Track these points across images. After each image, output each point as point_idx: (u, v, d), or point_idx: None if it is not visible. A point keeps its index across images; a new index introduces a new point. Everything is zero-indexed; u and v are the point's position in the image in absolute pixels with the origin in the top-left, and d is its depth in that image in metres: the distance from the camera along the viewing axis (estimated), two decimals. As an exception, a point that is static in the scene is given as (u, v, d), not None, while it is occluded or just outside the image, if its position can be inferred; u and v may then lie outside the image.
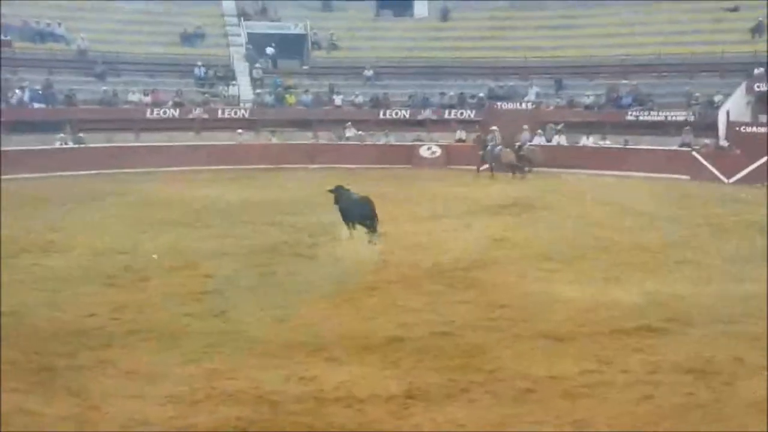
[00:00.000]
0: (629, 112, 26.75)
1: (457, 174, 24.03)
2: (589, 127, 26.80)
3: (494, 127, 24.98)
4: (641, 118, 26.46)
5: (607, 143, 25.94)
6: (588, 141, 26.35)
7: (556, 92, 28.96)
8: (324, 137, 27.79)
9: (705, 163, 23.53)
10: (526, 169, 23.87)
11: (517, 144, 24.53)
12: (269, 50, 30.60)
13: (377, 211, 12.94)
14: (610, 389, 6.97)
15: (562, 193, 19.49)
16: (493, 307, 9.45)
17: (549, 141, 26.33)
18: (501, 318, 9.03)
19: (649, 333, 8.48)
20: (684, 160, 23.83)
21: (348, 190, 13.54)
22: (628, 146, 25.36)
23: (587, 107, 27.92)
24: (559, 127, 26.56)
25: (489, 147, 24.21)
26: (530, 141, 25.43)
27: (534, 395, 6.82)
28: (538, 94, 28.72)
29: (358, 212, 12.98)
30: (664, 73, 27.98)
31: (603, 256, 12.24)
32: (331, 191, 13.50)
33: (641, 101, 27.24)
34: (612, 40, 29.19)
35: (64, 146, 24.73)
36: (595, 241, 13.31)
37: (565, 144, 26.35)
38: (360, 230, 12.90)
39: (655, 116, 26.40)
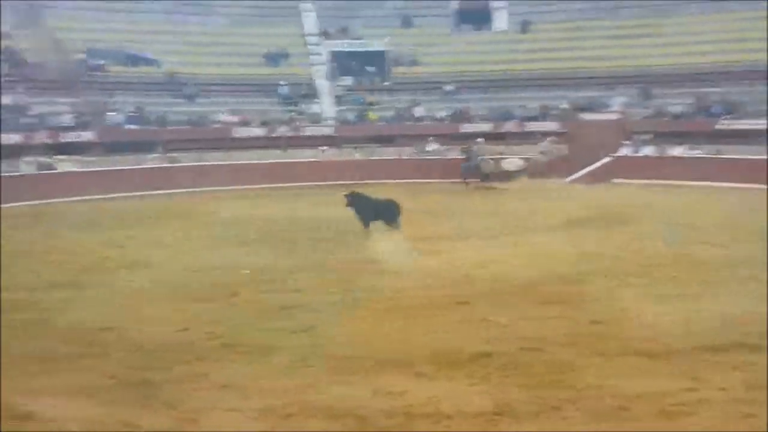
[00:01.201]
0: (720, 121, 25.91)
1: (540, 187, 23.73)
2: (678, 137, 26.09)
3: (479, 140, 25.24)
4: (733, 126, 25.58)
5: (698, 153, 25.19)
6: (677, 151, 25.63)
7: (643, 102, 28.32)
8: (406, 152, 27.93)
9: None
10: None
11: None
12: (351, 68, 31.01)
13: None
14: (708, 408, 6.73)
15: (652, 205, 19.01)
16: (584, 322, 9.27)
17: (636, 152, 25.75)
18: (591, 334, 8.84)
19: (745, 350, 8.16)
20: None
21: (364, 194, 15.65)
22: (719, 156, 24.56)
23: (676, 116, 27.19)
24: (646, 137, 25.94)
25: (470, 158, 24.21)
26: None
27: (627, 413, 6.64)
28: (624, 104, 28.14)
29: (382, 213, 15.33)
30: (756, 81, 27.00)
31: (695, 270, 11.85)
32: (345, 196, 15.52)
33: (732, 109, 26.35)
34: (700, 48, 28.39)
35: (157, 166, 25.60)
36: (687, 255, 12.92)
37: (653, 154, 25.70)
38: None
39: (747, 125, 25.48)
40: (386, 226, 15.32)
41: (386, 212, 15.48)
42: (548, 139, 26.67)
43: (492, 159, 24.88)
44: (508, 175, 24.80)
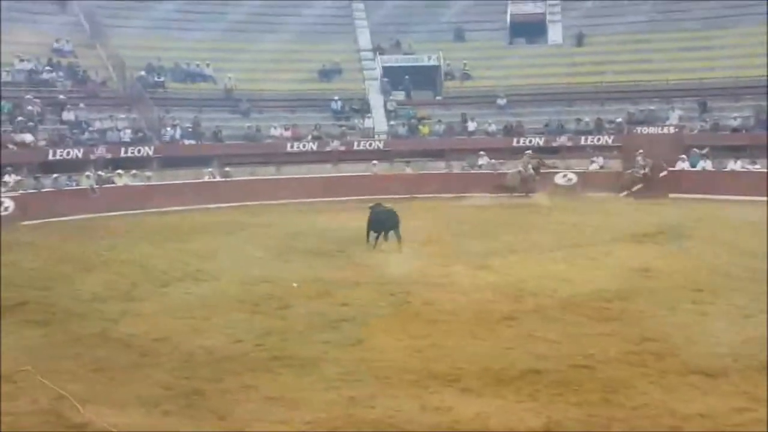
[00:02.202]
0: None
1: (595, 201, 23.39)
2: (736, 151, 25.47)
3: (528, 152, 25.56)
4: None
5: (757, 167, 24.51)
6: (736, 165, 25.00)
7: (700, 115, 27.75)
8: (457, 167, 27.85)
9: None
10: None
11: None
12: (404, 82, 31.15)
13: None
14: (764, 428, 6.55)
15: (709, 220, 18.57)
16: (637, 340, 9.10)
17: (694, 166, 25.23)
18: (645, 352, 8.67)
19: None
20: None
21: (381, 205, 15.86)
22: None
23: (734, 130, 26.57)
24: (703, 151, 25.39)
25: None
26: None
27: (680, 433, 6.51)
28: (681, 118, 27.62)
29: (387, 223, 15.30)
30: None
31: (754, 288, 11.52)
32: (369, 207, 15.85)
33: (793, 122, 25.65)
34: (758, 60, 27.71)
35: (212, 180, 26.04)
36: (745, 272, 12.58)
37: (711, 169, 25.12)
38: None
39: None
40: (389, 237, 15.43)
41: (388, 222, 15.47)
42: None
43: (532, 171, 24.72)
44: (559, 189, 24.56)
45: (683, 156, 25.31)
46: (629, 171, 24.63)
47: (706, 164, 25.19)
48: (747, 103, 27.33)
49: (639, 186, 24.21)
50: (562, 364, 8.23)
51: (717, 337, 9.12)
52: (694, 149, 25.52)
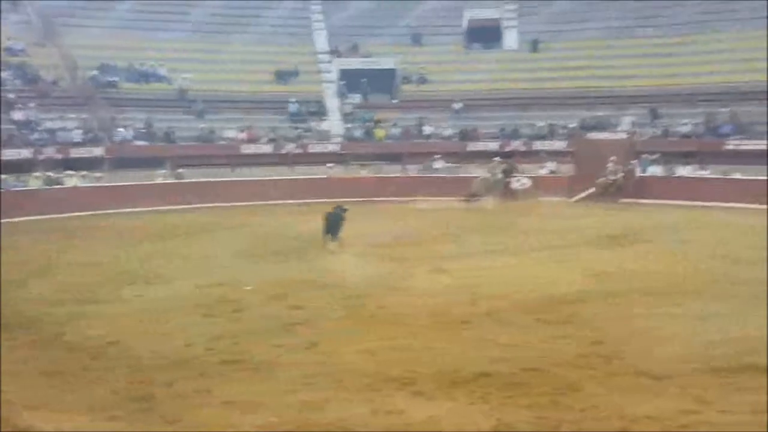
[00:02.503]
0: (729, 141, 25.86)
1: (548, 205, 23.69)
2: (686, 157, 26.04)
3: (496, 158, 26.07)
4: (742, 147, 25.52)
5: (707, 173, 25.09)
6: (685, 171, 25.56)
7: (651, 121, 28.31)
8: (413, 170, 27.97)
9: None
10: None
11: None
12: (360, 85, 31.17)
13: None
14: (710, 429, 6.69)
15: (660, 225, 18.93)
16: (588, 342, 9.21)
17: (644, 171, 25.71)
18: (595, 354, 8.79)
19: (754, 372, 8.09)
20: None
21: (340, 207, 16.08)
22: (727, 176, 24.47)
23: (684, 136, 27.16)
24: (654, 157, 25.90)
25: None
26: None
27: (628, 435, 6.61)
28: (632, 124, 28.14)
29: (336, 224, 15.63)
30: (765, 101, 26.95)
31: (709, 291, 11.77)
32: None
33: (742, 129, 26.31)
34: (710, 68, 28.40)
35: (165, 181, 25.72)
36: (700, 275, 12.85)
37: (661, 174, 25.64)
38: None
39: (757, 145, 25.41)
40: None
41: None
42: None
43: (501, 176, 25.01)
44: (514, 194, 24.83)
45: (634, 161, 25.78)
46: (602, 177, 24.88)
47: (657, 170, 25.70)
48: (697, 110, 27.95)
49: (612, 192, 24.43)
50: (514, 367, 8.30)
51: (666, 339, 9.28)
52: (645, 155, 26.03)
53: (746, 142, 25.63)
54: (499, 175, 24.98)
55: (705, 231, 17.53)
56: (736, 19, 29.84)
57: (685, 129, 27.31)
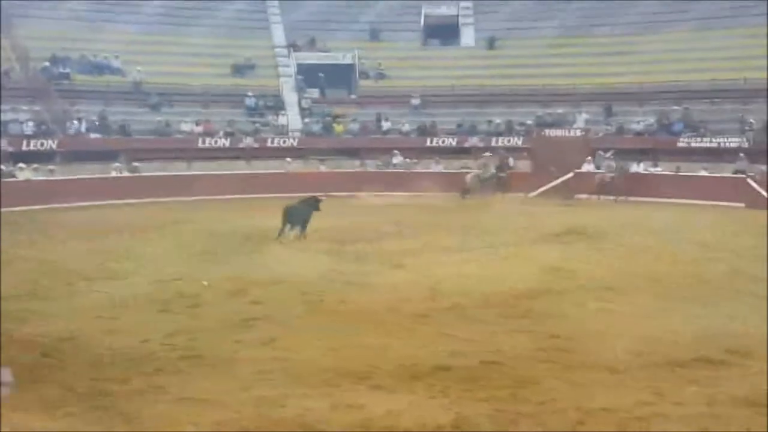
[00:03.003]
0: (681, 139, 26.38)
1: (505, 201, 23.91)
2: (640, 154, 26.48)
3: (487, 153, 26.23)
4: (693, 144, 26.06)
5: (659, 170, 25.56)
6: (639, 168, 25.99)
7: (606, 119, 28.72)
8: (371, 165, 27.97)
9: (760, 190, 22.99)
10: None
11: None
12: (318, 80, 31.06)
13: None
14: (665, 421, 6.82)
15: (616, 221, 19.21)
16: (546, 336, 9.32)
17: (599, 168, 26.08)
18: (553, 348, 8.90)
19: (706, 365, 8.27)
20: (738, 188, 23.33)
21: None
22: (680, 173, 24.97)
23: (638, 134, 27.62)
24: (608, 154, 26.29)
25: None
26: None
27: (585, 427, 6.70)
28: (587, 121, 28.51)
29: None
30: (717, 99, 27.57)
31: (660, 286, 11.99)
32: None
33: (693, 127, 26.86)
34: (664, 66, 28.93)
35: (119, 175, 25.33)
36: (652, 271, 13.07)
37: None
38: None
39: (708, 143, 26.00)
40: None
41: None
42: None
43: (494, 171, 25.17)
44: (505, 188, 24.90)
45: (589, 158, 26.14)
46: (598, 174, 25.01)
47: (611, 166, 26.07)
48: (651, 108, 28.46)
49: (608, 189, 24.40)
50: (473, 361, 8.36)
51: (622, 334, 9.43)
52: (600, 152, 26.41)
53: (698, 140, 26.17)
54: (492, 170, 25.11)
55: (664, 230, 17.82)
56: (688, 19, 30.42)
57: (638, 127, 27.76)
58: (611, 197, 23.97)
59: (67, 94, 27.45)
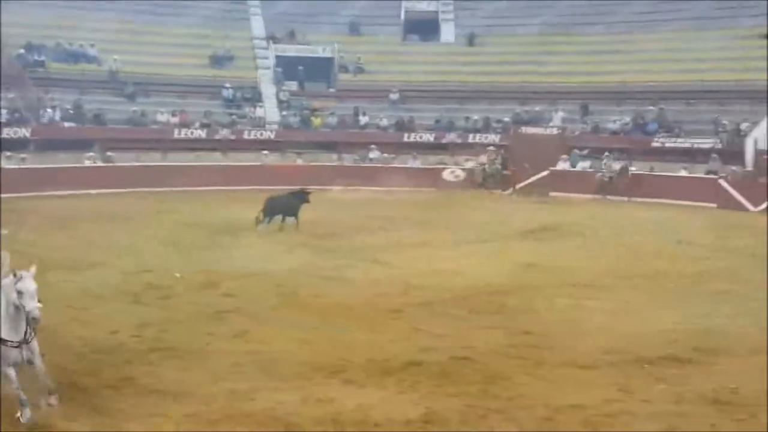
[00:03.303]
0: (655, 139, 26.61)
1: (481, 198, 23.99)
2: (615, 153, 26.65)
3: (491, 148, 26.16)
4: (668, 144, 26.28)
5: (633, 169, 25.73)
6: (613, 167, 26.13)
7: (582, 117, 28.88)
8: (348, 159, 27.90)
9: (732, 191, 23.26)
10: None
11: None
12: (297, 73, 30.91)
13: None
14: (632, 419, 6.89)
15: (590, 218, 19.33)
16: (517, 333, 9.38)
17: (574, 166, 26.24)
18: (524, 344, 8.96)
19: (674, 363, 8.37)
20: (711, 188, 23.58)
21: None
22: (653, 173, 25.17)
23: (613, 133, 27.81)
24: (584, 152, 26.45)
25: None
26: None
27: (553, 423, 6.76)
28: (564, 119, 28.65)
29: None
30: (692, 100, 27.83)
31: (632, 284, 12.11)
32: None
33: (668, 128, 27.10)
34: (640, 67, 29.12)
35: (94, 165, 25.06)
36: (624, 269, 13.19)
37: (590, 170, 26.19)
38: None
39: (682, 143, 26.23)
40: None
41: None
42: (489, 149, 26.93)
43: (498, 166, 25.33)
44: (508, 183, 24.77)
45: (564, 156, 26.28)
46: (599, 174, 24.97)
47: (585, 165, 26.25)
48: (627, 107, 28.65)
49: (609, 189, 24.12)
50: (444, 356, 8.40)
51: (591, 331, 9.51)
52: (575, 150, 26.56)
53: (672, 140, 26.40)
54: (498, 165, 25.10)
55: (637, 228, 17.95)
56: (667, 20, 30.63)
57: (614, 126, 27.95)
58: (613, 197, 23.69)
59: (41, 82, 27.05)
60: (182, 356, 8.26)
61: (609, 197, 23.78)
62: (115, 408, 6.87)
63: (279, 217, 16.70)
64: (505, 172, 25.47)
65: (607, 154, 25.66)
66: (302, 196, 17.12)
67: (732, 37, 28.90)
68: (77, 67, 28.38)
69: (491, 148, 26.51)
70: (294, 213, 16.80)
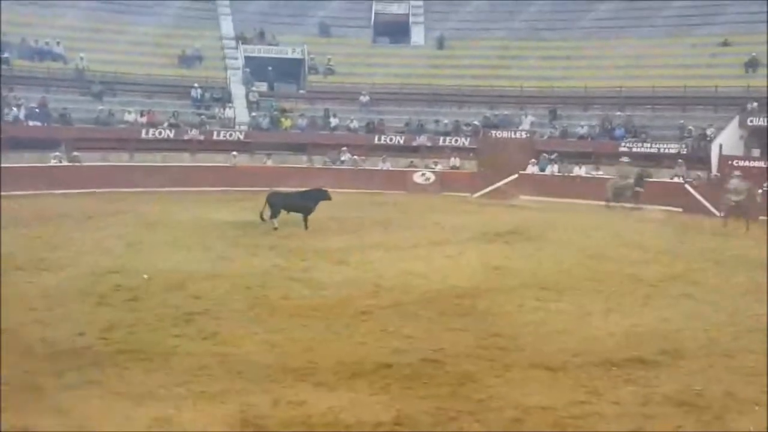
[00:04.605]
0: (622, 144, 26.94)
1: (451, 201, 24.09)
2: (582, 158, 26.95)
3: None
4: (634, 149, 26.63)
5: (600, 174, 26.03)
6: (581, 171, 26.45)
7: (551, 122, 29.15)
8: (318, 161, 27.87)
9: (697, 196, 23.64)
10: None
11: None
12: (267, 73, 30.79)
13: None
14: (600, 421, 6.95)
15: (557, 222, 19.50)
16: (486, 335, 9.41)
17: (543, 170, 26.48)
18: (493, 346, 8.99)
19: (640, 365, 8.46)
20: (676, 193, 23.93)
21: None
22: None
23: (581, 137, 28.11)
24: (552, 156, 26.71)
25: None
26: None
27: (523, 425, 6.80)
28: (532, 124, 28.90)
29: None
30: (659, 106, 28.25)
31: (598, 287, 12.20)
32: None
33: (634, 133, 27.46)
34: (608, 72, 29.49)
35: (59, 164, 24.72)
36: (590, 272, 13.30)
37: (558, 173, 26.46)
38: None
39: (648, 148, 26.60)
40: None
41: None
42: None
43: None
44: (638, 200, 23.33)
45: (533, 160, 26.51)
46: (611, 180, 24.02)
47: (554, 169, 26.51)
48: (594, 112, 28.98)
49: (628, 196, 23.42)
50: (414, 358, 8.40)
51: (559, 333, 9.59)
52: (544, 154, 26.81)
53: (638, 145, 26.75)
54: (630, 180, 23.52)
55: (599, 231, 18.15)
56: (633, 26, 31.03)
57: (582, 130, 28.25)
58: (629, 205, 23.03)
59: (6, 79, 26.62)
60: (150, 358, 8.16)
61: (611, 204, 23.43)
62: (80, 411, 6.76)
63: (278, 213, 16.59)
64: (638, 189, 23.42)
65: (550, 157, 25.81)
66: (316, 195, 17.00)
67: (697, 44, 29.40)
68: (43, 64, 28.04)
69: (624, 159, 24.78)
70: (306, 211, 16.75)
